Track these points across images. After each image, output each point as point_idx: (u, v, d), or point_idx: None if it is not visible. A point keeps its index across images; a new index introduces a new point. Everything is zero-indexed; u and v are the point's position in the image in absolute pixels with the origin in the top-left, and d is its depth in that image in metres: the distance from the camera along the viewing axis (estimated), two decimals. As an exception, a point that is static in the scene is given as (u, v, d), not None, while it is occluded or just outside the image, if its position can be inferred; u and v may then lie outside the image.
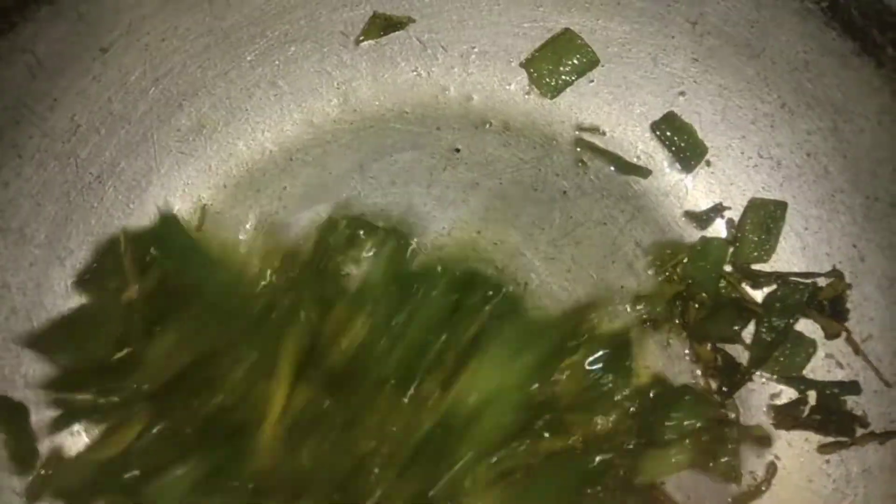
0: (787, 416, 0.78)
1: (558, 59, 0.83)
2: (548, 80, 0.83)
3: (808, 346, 0.79)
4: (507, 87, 0.84)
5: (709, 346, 0.79)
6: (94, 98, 0.74)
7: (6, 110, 0.69)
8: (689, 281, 0.79)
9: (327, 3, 0.79)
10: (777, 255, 0.81)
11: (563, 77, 0.83)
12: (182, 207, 0.80)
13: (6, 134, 0.70)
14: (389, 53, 0.83)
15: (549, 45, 0.83)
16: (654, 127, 0.83)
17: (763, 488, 0.75)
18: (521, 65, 0.83)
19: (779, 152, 0.81)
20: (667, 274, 0.81)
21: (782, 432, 0.78)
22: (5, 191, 0.72)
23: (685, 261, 0.81)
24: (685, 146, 0.82)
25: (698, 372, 0.79)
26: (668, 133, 0.83)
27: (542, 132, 0.84)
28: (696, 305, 0.79)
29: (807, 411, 0.78)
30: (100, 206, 0.77)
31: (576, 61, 0.83)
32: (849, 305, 0.78)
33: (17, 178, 0.73)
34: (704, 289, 0.79)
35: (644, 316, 0.80)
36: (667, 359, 0.79)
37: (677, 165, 0.83)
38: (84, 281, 0.75)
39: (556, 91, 0.83)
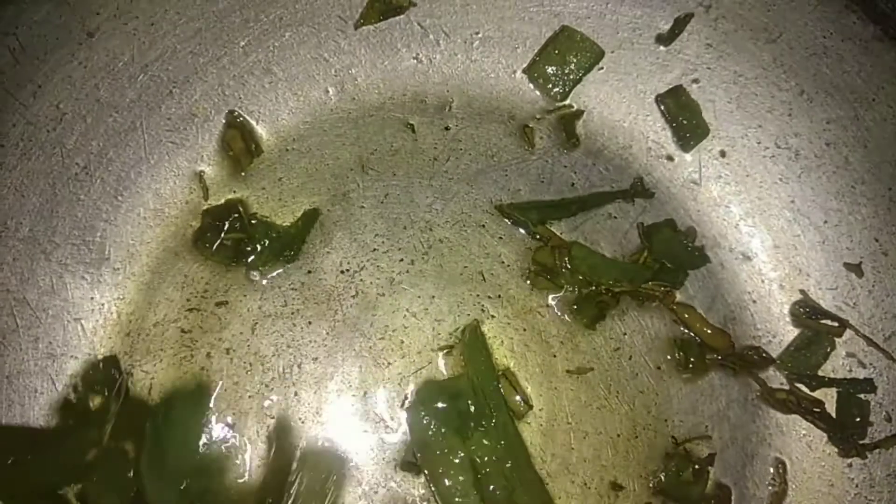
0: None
1: (562, 60, 0.80)
2: (553, 84, 0.81)
3: (826, 344, 0.77)
4: (513, 75, 0.81)
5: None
6: (79, 85, 0.72)
7: None
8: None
9: (325, -15, 0.76)
10: (796, 251, 0.78)
11: (570, 78, 0.81)
12: (172, 198, 0.77)
13: None
14: (389, 39, 0.81)
15: (548, 46, 0.80)
16: (659, 100, 0.80)
17: (784, 490, 0.73)
18: (524, 71, 0.80)
19: (797, 142, 0.78)
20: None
21: (802, 435, 0.75)
22: None
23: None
24: (687, 124, 0.80)
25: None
26: (672, 108, 0.80)
27: (550, 122, 0.81)
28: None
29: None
30: (87, 198, 0.75)
31: (580, 58, 0.80)
32: (871, 301, 0.75)
33: (0, 168, 0.70)
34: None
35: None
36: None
37: (676, 141, 0.80)
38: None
39: (564, 95, 0.81)
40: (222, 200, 0.76)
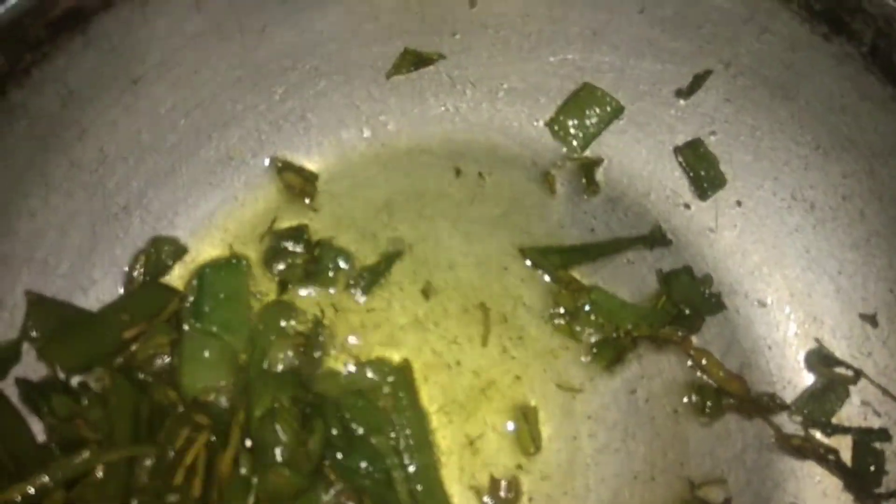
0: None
1: (581, 114, 0.80)
2: (574, 136, 0.80)
3: (841, 392, 0.75)
4: (535, 124, 0.82)
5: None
6: (123, 128, 0.72)
7: (36, 139, 0.67)
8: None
9: (359, 38, 0.77)
10: (811, 299, 0.78)
11: (590, 131, 0.80)
12: (207, 238, 0.77)
13: (35, 163, 0.68)
14: (419, 88, 0.81)
15: (570, 101, 0.80)
16: (678, 152, 0.80)
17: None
18: (546, 124, 0.81)
19: (812, 194, 0.77)
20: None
21: (817, 481, 0.73)
22: (32, 220, 0.69)
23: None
24: (704, 175, 0.79)
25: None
26: (690, 159, 0.80)
27: (571, 169, 0.81)
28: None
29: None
30: (125, 237, 0.75)
31: (600, 113, 0.80)
32: (885, 351, 0.74)
33: (44, 208, 0.70)
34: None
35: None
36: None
37: (694, 191, 0.80)
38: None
39: (584, 146, 0.81)
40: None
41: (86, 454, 0.60)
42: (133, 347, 0.70)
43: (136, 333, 0.69)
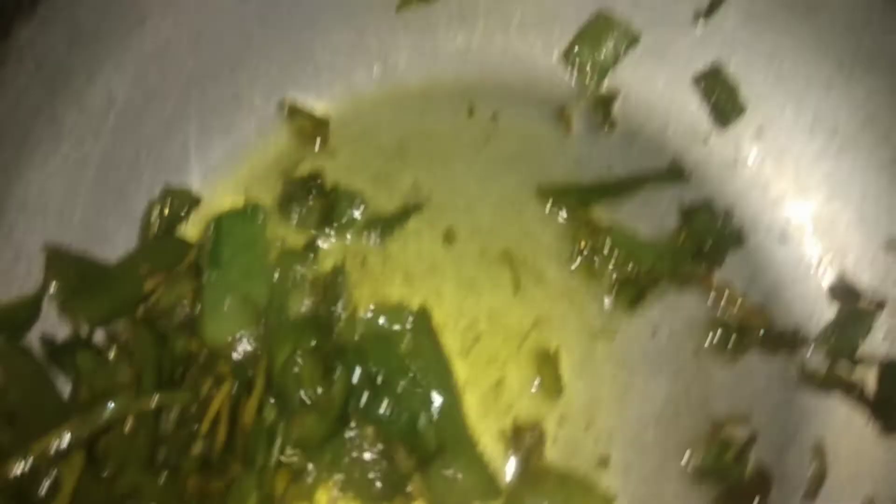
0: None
1: (596, 44, 0.78)
2: (590, 69, 0.78)
3: (865, 323, 0.74)
4: (550, 59, 0.79)
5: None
6: (131, 71, 0.70)
7: (44, 83, 0.65)
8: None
9: (366, -28, 0.74)
10: (834, 229, 0.76)
11: (605, 62, 0.78)
12: (220, 186, 0.76)
13: (44, 108, 0.66)
14: (429, 23, 0.78)
15: (584, 31, 0.78)
16: (696, 80, 0.77)
17: (824, 471, 0.71)
18: (560, 57, 0.78)
19: (835, 118, 0.75)
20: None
21: (842, 414, 0.73)
22: (43, 168, 0.68)
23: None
24: (724, 103, 0.77)
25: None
26: (709, 88, 0.77)
27: (587, 105, 0.79)
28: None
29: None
30: (138, 186, 0.73)
31: (615, 43, 0.78)
32: (912, 280, 0.73)
33: (54, 155, 0.69)
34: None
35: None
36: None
37: (713, 121, 0.78)
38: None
39: (600, 78, 0.78)
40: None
41: (119, 402, 0.60)
42: (153, 298, 0.69)
43: (155, 285, 0.68)
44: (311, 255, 0.73)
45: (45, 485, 0.59)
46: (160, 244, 0.72)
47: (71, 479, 0.58)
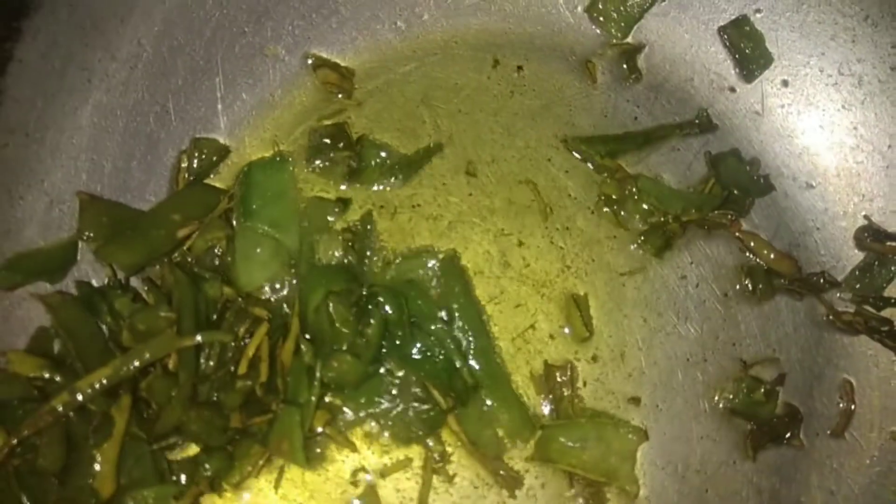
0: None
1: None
2: (614, 23, 0.81)
3: (891, 266, 0.77)
4: (575, 10, 0.81)
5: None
6: (158, 20, 0.74)
7: (77, 29, 0.68)
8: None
9: (391, -76, 0.76)
10: (860, 177, 0.79)
11: (631, 15, 0.81)
12: (248, 138, 0.77)
13: (76, 54, 0.69)
14: None
15: None
16: (722, 31, 0.80)
17: (852, 408, 0.73)
18: (585, 10, 0.81)
19: (860, 68, 0.78)
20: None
21: (868, 354, 0.75)
22: (74, 117, 0.71)
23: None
24: (750, 54, 0.80)
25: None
26: (735, 39, 0.80)
27: (612, 56, 0.80)
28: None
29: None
30: (166, 136, 0.76)
31: None
32: (938, 224, 0.75)
33: (85, 105, 0.72)
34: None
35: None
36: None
37: (739, 72, 0.80)
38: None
39: (626, 31, 0.81)
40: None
41: (162, 341, 0.61)
42: (187, 245, 0.71)
43: (189, 232, 0.71)
44: (341, 205, 0.75)
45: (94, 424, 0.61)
46: (192, 192, 0.75)
47: (122, 420, 0.60)
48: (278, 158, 0.77)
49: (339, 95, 0.80)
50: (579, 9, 0.82)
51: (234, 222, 0.74)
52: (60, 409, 0.61)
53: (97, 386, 0.61)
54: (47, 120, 0.70)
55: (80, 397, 0.61)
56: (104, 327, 0.69)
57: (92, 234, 0.71)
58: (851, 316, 0.77)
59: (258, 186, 0.75)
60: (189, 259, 0.72)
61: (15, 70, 0.66)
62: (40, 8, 0.64)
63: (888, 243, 0.77)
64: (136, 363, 0.62)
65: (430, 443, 0.72)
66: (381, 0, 0.80)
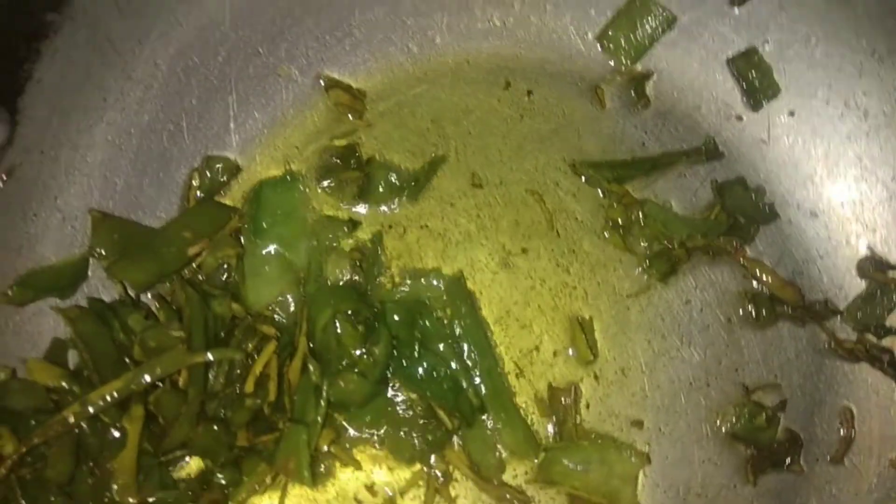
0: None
1: (633, 27, 0.82)
2: (625, 50, 0.82)
3: (892, 296, 0.78)
4: (585, 37, 0.83)
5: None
6: (175, 41, 0.75)
7: (95, 50, 0.70)
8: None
9: (406, -51, 0.78)
10: (863, 207, 0.80)
11: (641, 44, 0.82)
12: (259, 157, 0.79)
13: (93, 74, 0.70)
14: (465, 2, 0.83)
15: (622, 13, 0.82)
16: (731, 62, 0.82)
17: (852, 435, 0.74)
18: (596, 38, 0.82)
19: (866, 101, 0.80)
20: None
21: (868, 382, 0.77)
22: (89, 134, 0.72)
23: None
24: (758, 84, 0.81)
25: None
26: (743, 69, 0.82)
27: (621, 83, 0.82)
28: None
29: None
30: (179, 154, 0.78)
31: (653, 25, 0.82)
32: (939, 254, 0.77)
33: (100, 123, 0.73)
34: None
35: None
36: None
37: (746, 101, 0.81)
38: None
39: (635, 59, 0.83)
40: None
41: (173, 357, 0.62)
42: (197, 263, 0.72)
43: (199, 249, 0.72)
44: (350, 225, 0.76)
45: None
46: (203, 210, 0.76)
47: (135, 430, 0.61)
48: (289, 177, 0.78)
49: (351, 116, 0.82)
50: (590, 36, 0.84)
51: (244, 240, 0.76)
52: (72, 419, 0.62)
53: (108, 399, 0.62)
54: (62, 138, 0.72)
55: (91, 409, 0.62)
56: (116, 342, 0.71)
57: (104, 251, 0.73)
58: (853, 344, 0.78)
59: (268, 205, 0.77)
60: (199, 276, 0.74)
61: (33, 90, 0.67)
62: (60, 30, 0.65)
63: (890, 273, 0.79)
64: (148, 378, 0.64)
65: (434, 462, 0.73)
66: (394, 23, 0.82)
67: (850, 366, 0.78)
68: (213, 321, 0.70)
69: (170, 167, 0.77)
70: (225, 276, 0.74)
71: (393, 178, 0.80)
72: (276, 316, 0.73)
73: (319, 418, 0.69)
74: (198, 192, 0.77)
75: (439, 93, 0.83)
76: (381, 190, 0.80)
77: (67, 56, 0.68)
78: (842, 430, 0.77)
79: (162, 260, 0.73)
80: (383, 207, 0.80)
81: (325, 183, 0.79)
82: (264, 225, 0.76)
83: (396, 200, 0.79)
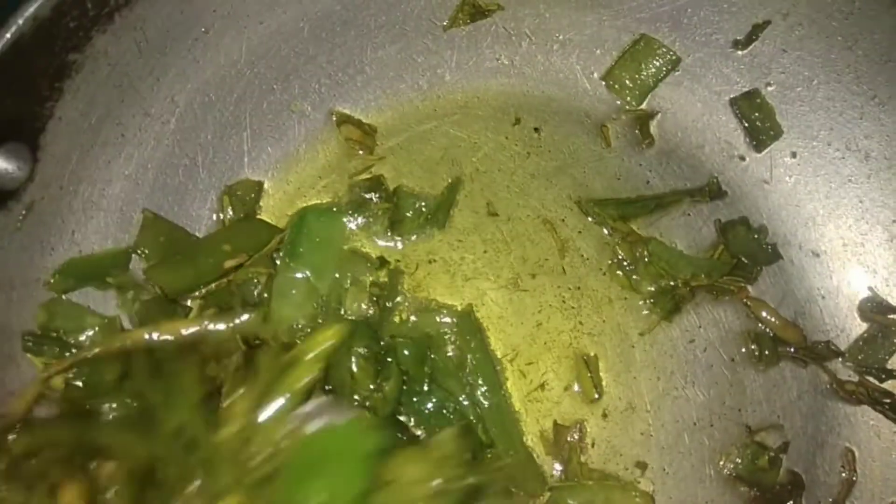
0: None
1: (638, 67, 0.84)
2: (630, 90, 0.84)
3: (894, 338, 0.80)
4: (591, 76, 0.85)
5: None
6: (192, 79, 0.77)
7: (115, 87, 0.72)
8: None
9: (418, -10, 0.80)
10: (864, 248, 0.82)
11: (646, 84, 0.84)
12: (271, 190, 0.81)
13: (113, 112, 0.72)
14: (475, 41, 0.85)
15: (627, 54, 0.84)
16: (734, 103, 0.84)
17: (853, 478, 0.76)
18: (602, 78, 0.85)
19: (867, 144, 0.82)
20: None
21: (870, 424, 0.78)
22: (107, 168, 0.74)
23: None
24: (760, 126, 0.83)
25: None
26: (746, 110, 0.84)
27: (626, 122, 0.84)
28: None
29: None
30: (193, 188, 0.80)
31: (657, 66, 0.84)
32: (939, 297, 0.79)
33: (118, 159, 0.75)
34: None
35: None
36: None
37: (749, 142, 0.83)
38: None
39: (640, 99, 0.85)
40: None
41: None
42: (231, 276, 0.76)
43: (236, 264, 0.75)
44: (378, 262, 0.79)
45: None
46: (246, 226, 0.79)
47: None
48: (335, 208, 0.80)
49: (361, 151, 0.84)
50: (595, 75, 0.86)
51: (279, 261, 0.78)
52: (129, 343, 0.65)
53: (171, 337, 0.65)
54: (81, 174, 0.73)
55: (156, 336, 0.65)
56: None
57: (147, 251, 0.76)
58: (854, 386, 0.80)
59: (309, 231, 0.78)
60: (232, 288, 0.76)
61: (55, 127, 0.68)
62: (82, 69, 0.67)
63: (891, 316, 0.81)
64: (219, 326, 0.67)
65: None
66: (404, 61, 0.84)
67: (851, 408, 0.79)
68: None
69: (185, 201, 0.79)
70: (254, 292, 0.76)
71: (421, 206, 0.82)
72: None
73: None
74: (229, 212, 0.79)
75: (448, 129, 0.85)
76: (409, 216, 0.81)
77: (88, 94, 0.70)
78: (843, 473, 0.79)
79: (199, 269, 0.75)
80: (413, 236, 0.81)
81: (358, 218, 0.80)
82: (301, 250, 0.77)
83: (426, 230, 0.81)
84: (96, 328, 0.73)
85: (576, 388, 0.79)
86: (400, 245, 0.81)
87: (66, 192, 0.73)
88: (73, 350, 0.72)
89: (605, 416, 0.79)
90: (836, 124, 0.82)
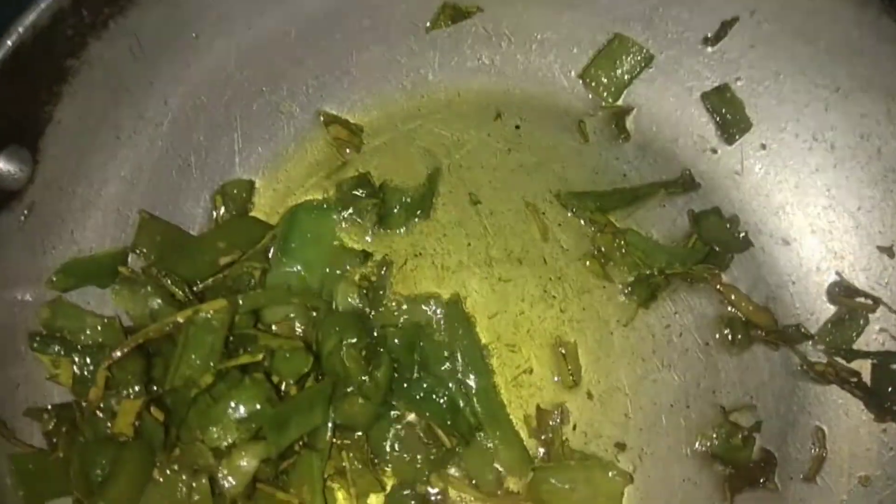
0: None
1: (613, 65, 0.88)
2: (605, 87, 0.88)
3: (861, 320, 0.84)
4: (569, 74, 0.89)
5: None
6: (184, 82, 0.80)
7: (110, 91, 0.75)
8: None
9: (402, -6, 0.84)
10: (832, 235, 0.86)
11: (621, 80, 0.88)
12: (262, 189, 0.85)
13: (108, 115, 0.76)
14: (456, 42, 0.89)
15: (603, 53, 0.88)
16: (705, 98, 0.88)
17: (823, 454, 0.80)
18: (579, 76, 0.88)
19: (832, 135, 0.86)
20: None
21: (839, 403, 0.82)
22: (103, 170, 0.78)
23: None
24: (731, 119, 0.87)
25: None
26: (717, 104, 0.88)
27: (603, 117, 0.88)
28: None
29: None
30: (187, 188, 0.83)
31: (631, 63, 0.88)
32: (904, 282, 0.83)
33: (114, 160, 0.78)
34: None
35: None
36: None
37: (720, 135, 0.87)
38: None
39: (616, 95, 0.89)
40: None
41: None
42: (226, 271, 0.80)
43: (230, 261, 0.79)
44: (363, 256, 0.83)
45: None
46: (240, 224, 0.83)
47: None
48: (325, 205, 0.84)
49: (348, 150, 0.88)
50: (573, 73, 0.89)
51: (272, 256, 0.81)
52: (181, 320, 0.70)
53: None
54: (79, 175, 0.76)
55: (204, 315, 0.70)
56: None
57: (145, 250, 0.79)
58: (823, 366, 0.84)
59: (300, 227, 0.82)
60: (228, 282, 0.79)
61: (53, 131, 0.72)
62: (78, 74, 0.70)
63: (857, 299, 0.85)
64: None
65: (432, 482, 0.78)
66: (389, 63, 0.88)
67: (821, 387, 0.83)
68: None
69: (179, 200, 0.83)
70: (248, 286, 0.79)
71: (407, 200, 0.85)
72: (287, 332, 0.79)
73: (330, 440, 0.74)
74: (222, 211, 0.83)
75: (432, 127, 0.88)
76: (395, 211, 0.85)
77: (85, 98, 0.73)
78: (814, 450, 0.82)
79: (195, 267, 0.78)
80: (401, 230, 0.85)
81: (346, 214, 0.84)
82: (293, 245, 0.81)
83: (413, 221, 0.85)
84: (97, 327, 0.76)
85: (556, 373, 0.83)
86: (388, 239, 0.85)
87: (65, 193, 0.76)
88: (78, 348, 0.75)
89: (586, 399, 0.83)
90: (802, 116, 0.86)
